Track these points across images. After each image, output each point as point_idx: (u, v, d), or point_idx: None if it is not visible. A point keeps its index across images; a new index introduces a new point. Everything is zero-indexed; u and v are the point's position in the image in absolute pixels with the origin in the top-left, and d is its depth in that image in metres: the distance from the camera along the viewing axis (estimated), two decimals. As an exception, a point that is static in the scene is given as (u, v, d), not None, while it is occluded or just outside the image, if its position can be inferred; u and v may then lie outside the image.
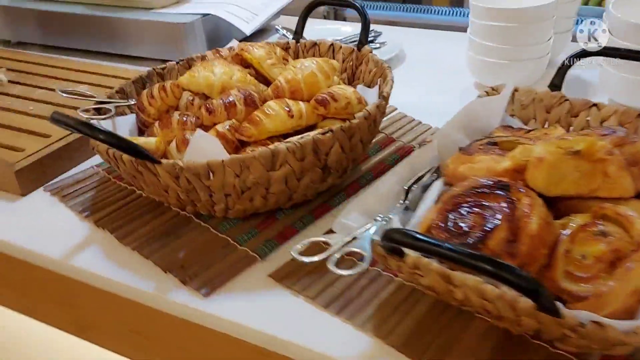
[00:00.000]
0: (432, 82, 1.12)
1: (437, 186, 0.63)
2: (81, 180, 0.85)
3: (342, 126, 0.68)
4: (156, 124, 0.79)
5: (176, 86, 0.81)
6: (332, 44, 0.94)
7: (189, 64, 0.93)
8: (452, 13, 2.05)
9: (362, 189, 0.80)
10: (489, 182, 0.56)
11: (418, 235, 0.47)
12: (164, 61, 1.23)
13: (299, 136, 0.71)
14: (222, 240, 0.71)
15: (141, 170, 0.67)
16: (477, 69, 1.08)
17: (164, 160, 0.65)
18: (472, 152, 0.64)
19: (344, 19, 2.04)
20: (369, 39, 1.28)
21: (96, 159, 0.90)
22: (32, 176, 0.83)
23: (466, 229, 0.53)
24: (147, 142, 0.73)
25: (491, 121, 0.77)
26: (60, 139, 0.87)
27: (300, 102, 0.77)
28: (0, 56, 1.25)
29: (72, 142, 0.88)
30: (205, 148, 0.66)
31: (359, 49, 0.91)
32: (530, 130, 0.75)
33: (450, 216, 0.54)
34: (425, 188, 0.64)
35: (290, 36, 1.30)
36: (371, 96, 0.82)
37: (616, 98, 0.95)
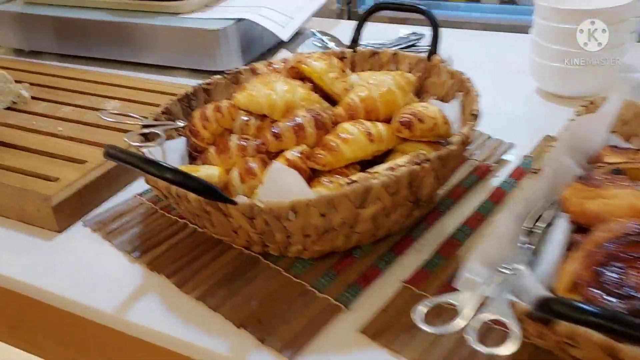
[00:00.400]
0: (491, 89, 1.01)
1: (562, 227, 0.54)
2: (124, 213, 0.75)
3: (439, 155, 0.59)
4: (211, 149, 0.70)
5: (233, 106, 0.71)
6: (395, 53, 0.84)
7: (236, 78, 0.84)
8: (469, 9, 1.99)
9: (443, 216, 0.71)
10: (646, 227, 0.46)
11: (590, 309, 0.38)
12: (195, 71, 1.15)
13: (387, 166, 0.62)
14: (297, 286, 0.62)
15: (209, 210, 0.58)
16: (541, 74, 0.99)
17: (239, 200, 0.55)
18: (597, 183, 0.55)
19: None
20: (411, 42, 1.19)
21: (137, 186, 0.80)
22: (70, 210, 0.74)
23: (630, 290, 0.43)
24: (209, 175, 0.63)
25: (594, 141, 0.67)
26: (98, 165, 0.78)
27: (379, 124, 0.68)
28: (17, 68, 1.15)
29: (111, 169, 0.78)
30: (284, 182, 0.57)
31: (428, 59, 0.81)
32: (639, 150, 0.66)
33: (602, 271, 0.45)
34: (547, 225, 0.55)
35: (327, 40, 1.22)
36: (449, 112, 0.73)
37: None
